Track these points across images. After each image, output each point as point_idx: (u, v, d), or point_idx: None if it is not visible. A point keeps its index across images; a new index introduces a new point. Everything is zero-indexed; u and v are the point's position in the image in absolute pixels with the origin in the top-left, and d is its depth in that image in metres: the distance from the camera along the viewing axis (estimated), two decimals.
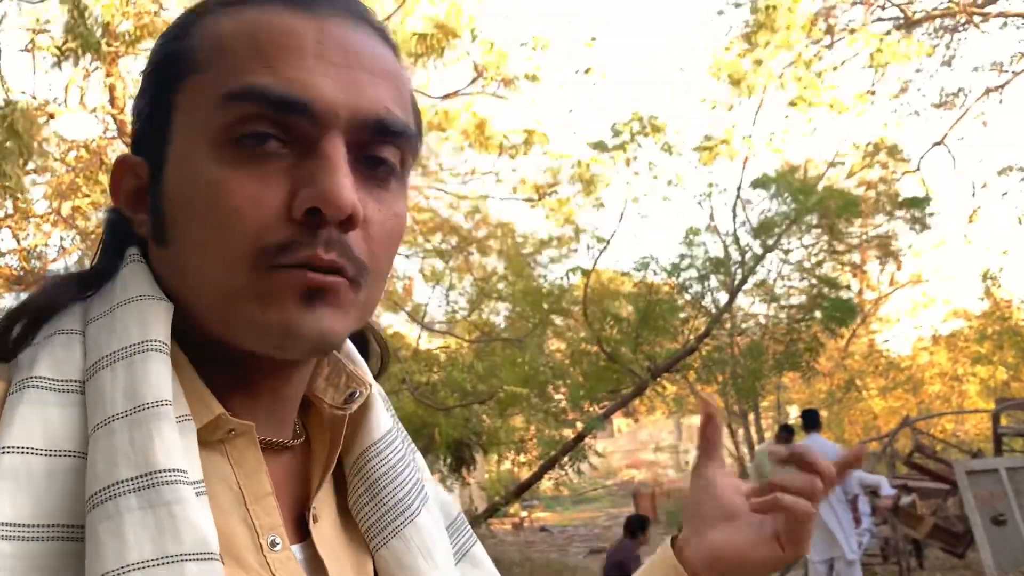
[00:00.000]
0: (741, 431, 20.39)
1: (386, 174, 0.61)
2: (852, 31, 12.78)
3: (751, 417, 20.21)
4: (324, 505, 0.67)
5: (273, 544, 0.60)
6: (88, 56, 4.58)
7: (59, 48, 4.65)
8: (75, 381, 0.56)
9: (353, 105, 0.57)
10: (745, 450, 19.57)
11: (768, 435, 17.74)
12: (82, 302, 0.62)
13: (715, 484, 0.83)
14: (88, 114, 6.94)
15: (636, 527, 7.15)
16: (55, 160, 6.48)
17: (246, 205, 0.55)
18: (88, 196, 7.17)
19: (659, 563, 0.83)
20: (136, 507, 0.50)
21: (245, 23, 0.58)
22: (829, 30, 13.67)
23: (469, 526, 0.81)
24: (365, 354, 0.75)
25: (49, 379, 0.55)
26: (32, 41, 6.19)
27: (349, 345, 0.71)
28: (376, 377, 0.74)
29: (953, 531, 9.34)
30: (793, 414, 19.81)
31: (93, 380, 0.55)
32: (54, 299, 0.62)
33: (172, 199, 0.59)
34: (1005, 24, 15.86)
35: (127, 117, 6.60)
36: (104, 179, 6.90)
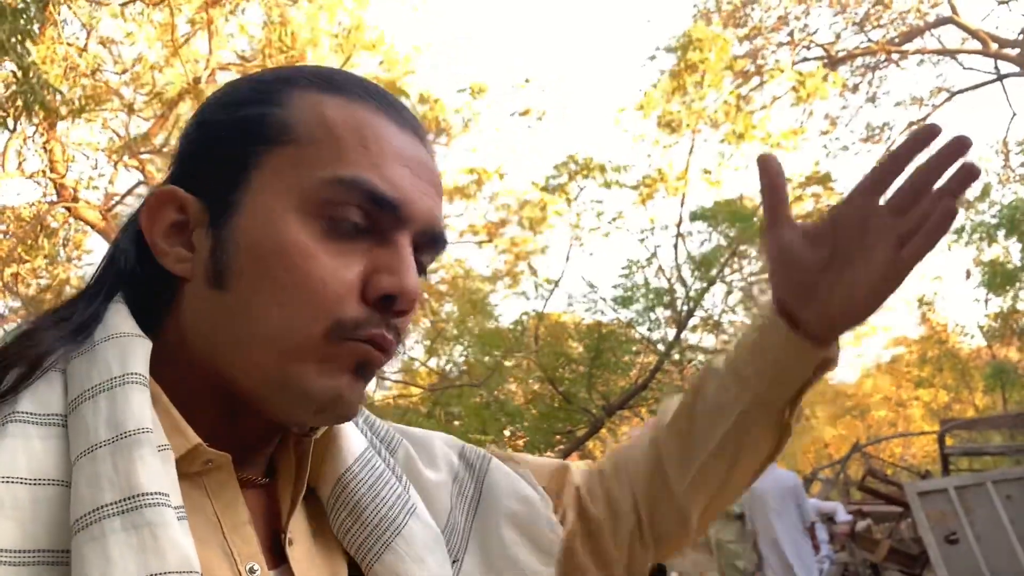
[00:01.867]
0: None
1: (420, 273, 0.68)
2: (774, 70, 13.25)
3: None
4: (298, 529, 0.68)
5: (251, 571, 0.61)
6: (32, 118, 4.54)
7: (4, 110, 4.61)
8: (57, 415, 0.58)
9: (426, 214, 0.65)
10: None
11: None
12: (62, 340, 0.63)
13: (788, 245, 0.81)
14: (26, 180, 6.83)
15: None
16: None
17: (330, 276, 0.60)
18: (27, 262, 7.01)
19: (772, 337, 0.83)
20: (120, 528, 0.51)
21: (351, 116, 0.64)
22: (757, 70, 14.16)
23: (474, 464, 0.83)
24: None
25: (31, 413, 0.57)
26: None
27: None
28: None
29: (909, 553, 9.49)
30: None
31: (75, 412, 0.57)
32: (50, 347, 0.62)
33: (245, 249, 0.62)
34: (922, 61, 16.64)
35: (68, 182, 6.51)
36: (45, 244, 6.77)
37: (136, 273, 0.68)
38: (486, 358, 9.59)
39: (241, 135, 0.65)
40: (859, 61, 16.86)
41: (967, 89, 17.45)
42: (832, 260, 0.80)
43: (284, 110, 0.64)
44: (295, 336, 0.60)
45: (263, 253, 0.61)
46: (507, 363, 10.51)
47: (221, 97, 0.69)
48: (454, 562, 0.75)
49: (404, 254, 0.63)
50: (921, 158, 0.77)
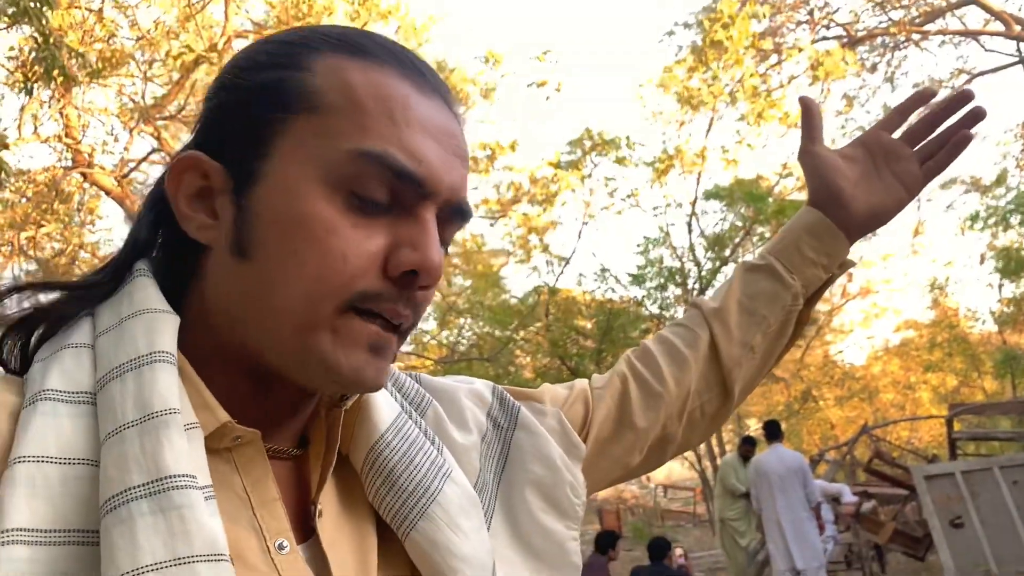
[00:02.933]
0: (703, 445, 20.54)
1: (444, 245, 0.67)
2: (794, 49, 13.12)
3: None
4: (328, 500, 0.69)
5: (280, 547, 0.62)
6: (50, 84, 4.54)
7: (25, 76, 4.61)
8: (86, 392, 0.58)
9: (450, 186, 0.64)
10: (707, 463, 19.72)
11: (729, 447, 17.90)
12: (90, 315, 0.64)
13: (826, 159, 0.97)
14: (42, 144, 6.84)
15: (606, 543, 7.20)
16: (11, 191, 6.38)
17: (351, 249, 0.60)
18: (43, 226, 7.05)
19: (817, 228, 0.96)
20: (148, 511, 0.52)
21: (377, 84, 0.62)
22: (776, 48, 14.02)
23: (507, 398, 0.86)
24: None
25: (61, 391, 0.57)
26: None
27: None
28: None
29: (913, 535, 9.53)
30: (753, 426, 20.04)
31: (104, 391, 0.57)
32: (64, 312, 0.64)
33: (268, 219, 0.61)
34: (944, 42, 16.42)
35: (83, 148, 6.51)
36: (60, 209, 6.79)
37: (154, 240, 0.68)
38: (496, 332, 9.60)
39: (264, 101, 0.63)
40: (879, 41, 16.66)
41: (988, 71, 17.24)
42: (862, 175, 0.97)
43: (307, 76, 0.63)
44: (314, 309, 0.59)
45: (285, 225, 0.60)
46: (517, 337, 10.52)
47: (244, 60, 0.67)
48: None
49: (428, 228, 0.62)
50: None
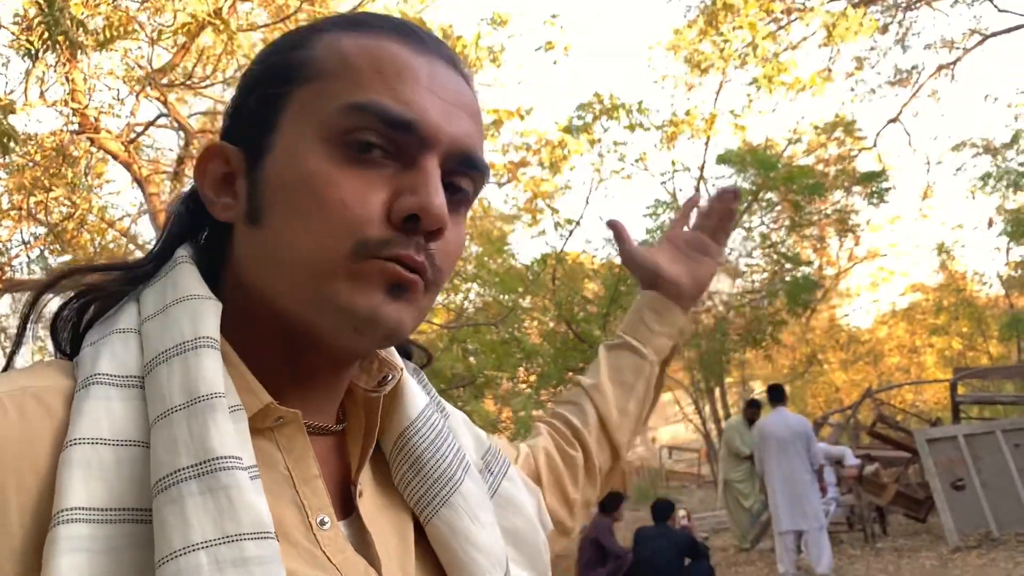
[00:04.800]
0: (708, 407, 20.67)
1: (460, 201, 0.69)
2: (808, 10, 12.94)
3: (717, 393, 20.50)
4: (366, 481, 0.72)
5: (322, 523, 0.64)
6: (55, 49, 4.53)
7: (29, 41, 4.60)
8: (135, 376, 0.60)
9: (452, 134, 0.65)
10: (712, 425, 19.85)
11: (735, 410, 18.01)
12: (135, 301, 0.66)
13: (642, 254, 1.13)
14: (48, 108, 6.83)
15: (610, 504, 7.27)
16: (18, 155, 6.38)
17: (352, 199, 0.62)
18: (51, 190, 7.06)
19: (656, 305, 1.12)
20: (197, 492, 0.54)
21: (368, 47, 0.65)
22: (787, 10, 13.83)
23: (501, 454, 0.87)
24: (405, 353, 0.82)
25: (111, 375, 0.60)
26: None
27: None
28: (422, 367, 0.83)
29: (915, 497, 9.62)
30: (758, 389, 20.12)
31: (151, 375, 0.59)
32: (113, 294, 0.68)
33: (274, 184, 0.64)
34: (956, 2, 16.17)
35: (91, 112, 6.50)
36: (68, 173, 6.79)
37: (191, 231, 0.71)
38: (504, 296, 9.62)
39: (270, 80, 0.67)
40: (891, 1, 16.42)
41: (1001, 32, 16.99)
42: (674, 257, 1.13)
43: (308, 51, 0.67)
44: (323, 257, 0.61)
45: (289, 185, 0.63)
46: (524, 302, 10.54)
47: (260, 53, 0.72)
48: None
49: (427, 174, 0.63)
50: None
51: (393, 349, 0.77)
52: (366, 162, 0.63)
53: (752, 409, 9.62)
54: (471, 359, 9.26)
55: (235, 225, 0.68)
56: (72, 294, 0.68)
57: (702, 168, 11.67)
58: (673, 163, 11.71)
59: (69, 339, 0.68)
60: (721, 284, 13.87)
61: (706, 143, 11.42)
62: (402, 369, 0.75)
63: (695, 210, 1.18)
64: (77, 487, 0.53)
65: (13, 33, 5.30)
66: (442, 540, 0.71)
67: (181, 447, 0.56)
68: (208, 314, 0.62)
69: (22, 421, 0.57)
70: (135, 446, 0.57)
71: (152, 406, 0.58)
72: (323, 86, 0.65)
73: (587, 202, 11.09)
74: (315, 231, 0.62)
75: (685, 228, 1.17)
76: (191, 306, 0.62)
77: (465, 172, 0.68)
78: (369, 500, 0.71)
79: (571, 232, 10.59)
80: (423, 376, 0.83)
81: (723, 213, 1.14)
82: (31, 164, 6.74)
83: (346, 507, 0.69)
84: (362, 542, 0.67)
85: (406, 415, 0.73)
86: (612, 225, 1.15)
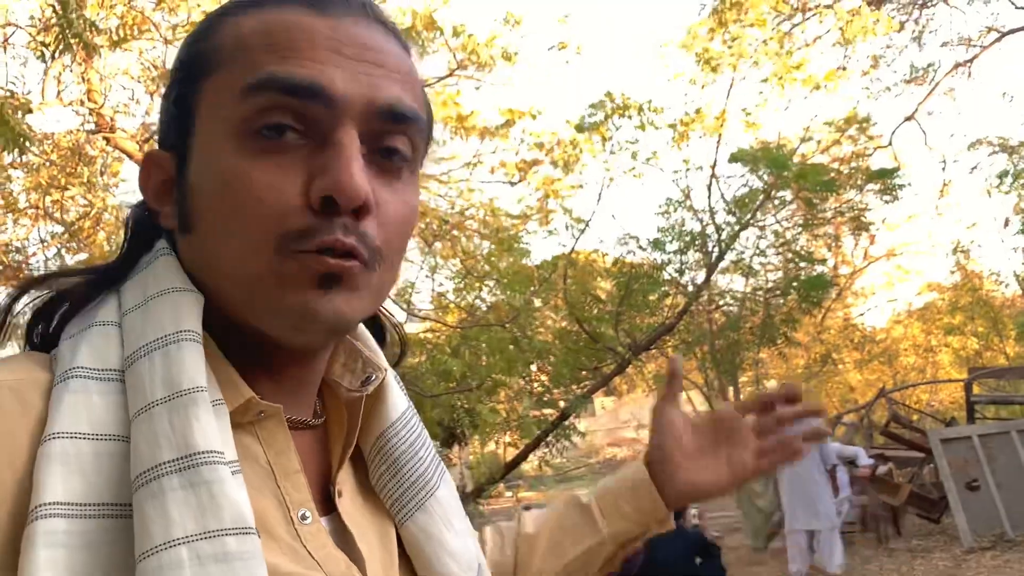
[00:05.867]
0: (722, 406, 20.56)
1: (399, 164, 0.63)
2: (824, 8, 12.88)
3: (731, 393, 20.42)
4: (346, 481, 0.71)
5: (303, 517, 0.64)
6: (70, 50, 4.57)
7: (44, 42, 4.66)
8: (115, 370, 0.59)
9: (365, 95, 0.60)
10: None
11: None
12: (115, 294, 0.65)
13: (674, 424, 1.00)
14: (64, 108, 6.89)
15: None
16: (34, 155, 6.45)
17: (266, 193, 0.58)
18: (67, 189, 7.13)
19: (639, 487, 0.99)
20: (178, 486, 0.53)
21: (262, 21, 0.61)
22: (801, 7, 13.77)
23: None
24: (381, 341, 0.79)
25: (91, 368, 0.58)
26: (5, 37, 6.15)
27: (365, 332, 0.76)
28: (394, 365, 0.79)
29: (929, 498, 9.57)
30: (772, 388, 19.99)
31: (132, 369, 0.58)
32: (86, 293, 0.66)
33: (196, 189, 0.62)
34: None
35: (106, 112, 6.56)
36: (84, 171, 6.85)
37: (152, 233, 0.69)
38: (516, 296, 9.63)
39: (182, 78, 0.64)
40: None
41: (1018, 29, 16.84)
42: (698, 449, 1.00)
43: (210, 41, 0.63)
44: (248, 261, 0.59)
45: (208, 188, 0.61)
46: (536, 303, 10.54)
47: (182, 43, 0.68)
48: None
49: (340, 150, 0.59)
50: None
51: (378, 350, 0.76)
52: (279, 148, 0.59)
53: None
54: (482, 359, 9.26)
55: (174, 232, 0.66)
56: (47, 295, 0.67)
57: (714, 166, 11.64)
58: (685, 162, 11.69)
59: (42, 333, 0.67)
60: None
61: (718, 141, 11.38)
62: (386, 370, 0.74)
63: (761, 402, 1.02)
64: (55, 482, 0.52)
65: (29, 34, 5.37)
66: (416, 544, 0.71)
67: (163, 441, 0.54)
68: (190, 308, 0.61)
69: None
70: (115, 440, 0.56)
71: (132, 400, 0.57)
72: (224, 76, 0.61)
73: (599, 200, 11.05)
74: (237, 234, 0.59)
75: (746, 416, 1.02)
76: (172, 299, 0.61)
77: (395, 129, 0.62)
78: (351, 501, 0.70)
79: (583, 231, 10.58)
80: (403, 386, 0.81)
81: (791, 443, 1.00)
82: (48, 163, 6.83)
83: (327, 504, 0.69)
84: (343, 539, 0.67)
85: (387, 416, 0.72)
86: (673, 365, 1.05)
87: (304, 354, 0.67)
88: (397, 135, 0.63)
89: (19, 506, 0.53)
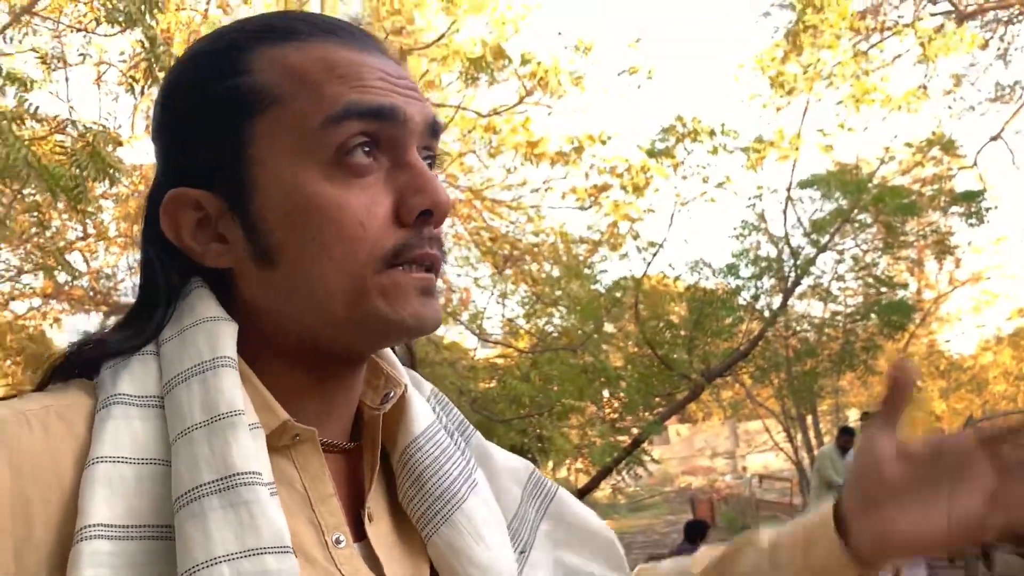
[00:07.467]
0: (799, 435, 20.08)
1: (432, 163, 0.71)
2: (903, 27, 12.59)
3: (809, 421, 19.90)
4: (377, 503, 0.72)
5: (338, 541, 0.65)
6: (158, 83, 4.81)
7: (132, 77, 4.89)
8: (154, 396, 0.61)
9: (418, 113, 0.67)
10: (804, 454, 19.26)
11: (828, 438, 17.44)
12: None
13: (884, 453, 0.73)
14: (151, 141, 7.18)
15: (696, 532, 7.16)
16: (124, 186, 6.74)
17: (364, 217, 0.63)
18: None
19: (813, 536, 0.76)
20: (219, 507, 0.55)
21: (318, 57, 0.65)
22: (879, 27, 13.49)
23: (546, 480, 0.86)
24: (410, 356, 0.84)
25: (132, 395, 0.61)
26: (99, 74, 6.48)
27: (386, 348, 0.77)
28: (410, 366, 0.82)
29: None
30: (852, 417, 19.45)
31: (171, 395, 0.61)
32: (121, 349, 0.65)
33: (278, 223, 0.64)
34: None
35: None
36: None
37: (181, 275, 0.68)
38: (586, 321, 9.59)
39: (222, 116, 0.65)
40: (991, 15, 15.81)
41: None
42: (908, 488, 0.71)
43: (252, 77, 0.65)
44: (356, 282, 0.63)
45: (298, 220, 0.63)
46: (607, 329, 10.48)
47: (182, 78, 0.68)
48: (521, 552, 0.78)
49: (423, 170, 0.65)
50: None
51: (400, 366, 0.77)
52: (363, 171, 0.64)
53: (846, 437, 9.28)
54: (553, 386, 9.23)
55: (236, 268, 0.67)
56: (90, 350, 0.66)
57: (789, 190, 11.43)
58: (759, 187, 11.50)
59: (84, 363, 0.66)
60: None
61: (794, 163, 11.18)
62: (406, 385, 0.75)
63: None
64: (99, 504, 0.55)
65: (120, 71, 5.64)
66: (442, 558, 0.71)
67: (202, 463, 0.57)
68: (225, 335, 0.63)
69: (46, 438, 0.58)
70: (156, 464, 0.59)
71: (172, 424, 0.59)
72: (291, 109, 0.64)
73: (670, 224, 10.96)
74: (338, 258, 0.63)
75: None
76: (208, 327, 0.63)
77: (434, 137, 0.70)
78: (382, 523, 0.72)
79: (654, 255, 10.50)
80: (444, 399, 0.83)
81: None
82: (136, 194, 7.12)
83: (360, 527, 0.70)
84: (376, 563, 0.68)
85: (410, 431, 0.74)
86: (901, 375, 0.74)
87: (354, 371, 0.71)
88: (434, 140, 0.70)
89: (66, 527, 0.55)
